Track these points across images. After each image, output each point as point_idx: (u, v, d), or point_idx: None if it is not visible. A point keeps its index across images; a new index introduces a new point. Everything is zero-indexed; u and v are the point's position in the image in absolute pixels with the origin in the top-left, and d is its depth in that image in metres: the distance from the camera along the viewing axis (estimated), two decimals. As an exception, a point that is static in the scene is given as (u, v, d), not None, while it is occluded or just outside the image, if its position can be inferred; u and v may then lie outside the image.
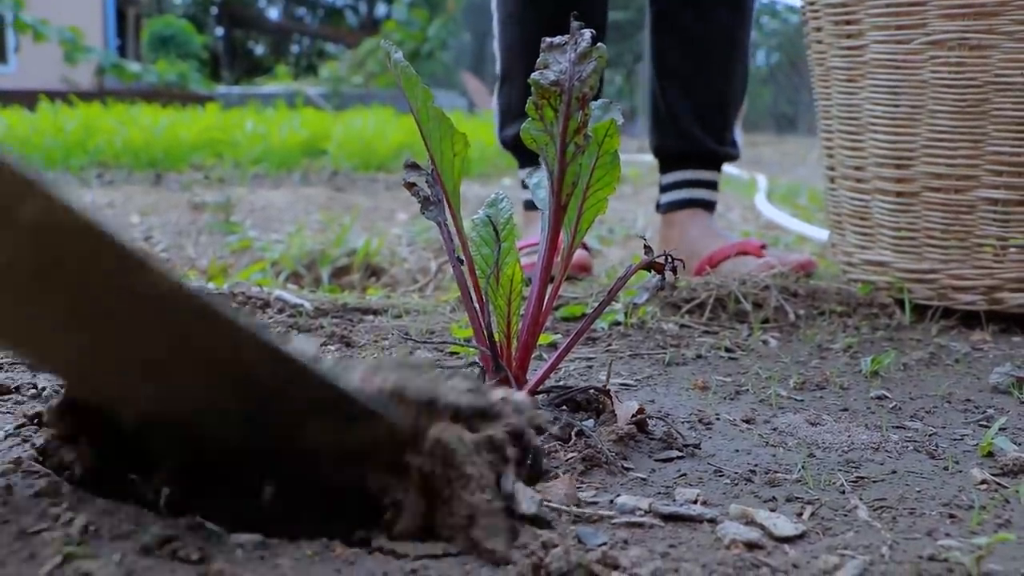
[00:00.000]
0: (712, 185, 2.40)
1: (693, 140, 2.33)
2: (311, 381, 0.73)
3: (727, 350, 1.53)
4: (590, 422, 1.05)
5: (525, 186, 2.41)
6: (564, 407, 1.09)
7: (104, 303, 0.70)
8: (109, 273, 0.68)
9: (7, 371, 1.21)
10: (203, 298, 0.69)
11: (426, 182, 1.08)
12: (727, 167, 2.57)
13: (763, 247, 2.15)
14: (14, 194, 0.63)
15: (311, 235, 2.85)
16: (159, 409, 0.78)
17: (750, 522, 0.83)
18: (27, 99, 8.92)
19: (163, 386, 0.75)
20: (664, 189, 2.43)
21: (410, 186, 1.08)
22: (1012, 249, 1.69)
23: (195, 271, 2.28)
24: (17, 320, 0.74)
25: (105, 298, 0.70)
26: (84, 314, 0.71)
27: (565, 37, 0.97)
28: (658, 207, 2.46)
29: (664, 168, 2.43)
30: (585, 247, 2.35)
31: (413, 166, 1.08)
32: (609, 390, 1.10)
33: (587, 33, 0.97)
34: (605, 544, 0.78)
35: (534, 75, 0.96)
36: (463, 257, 1.07)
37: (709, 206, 2.39)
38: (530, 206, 2.39)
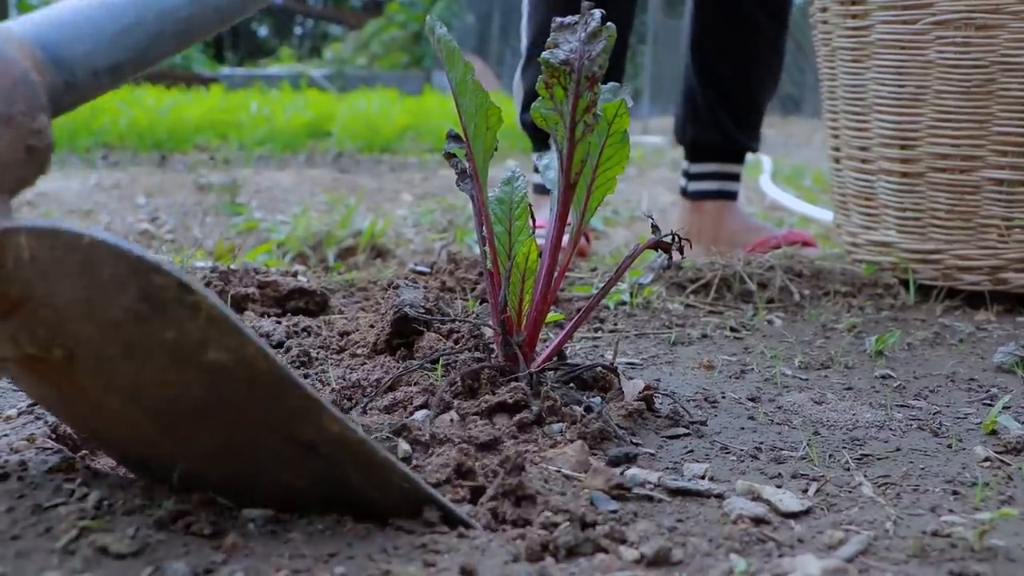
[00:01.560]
0: (739, 177, 2.50)
1: (729, 137, 2.42)
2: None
3: (732, 330, 1.54)
4: (598, 399, 1.06)
5: (537, 169, 2.43)
6: (572, 384, 1.09)
7: (264, 440, 0.72)
8: (285, 414, 0.69)
9: (18, 350, 1.22)
10: (368, 445, 0.71)
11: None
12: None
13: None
14: (204, 338, 0.64)
15: (316, 216, 2.85)
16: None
17: (756, 498, 0.84)
18: (31, 80, 8.90)
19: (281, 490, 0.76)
20: (693, 177, 2.50)
21: (450, 156, 1.08)
22: (1017, 229, 1.69)
23: (202, 252, 2.28)
24: (163, 441, 0.75)
25: (267, 436, 0.71)
26: (239, 449, 0.73)
27: (575, 17, 0.97)
28: (684, 192, 2.54)
29: (694, 157, 2.50)
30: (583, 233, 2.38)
31: (456, 137, 1.09)
32: (616, 368, 1.11)
33: (597, 13, 0.97)
34: (616, 512, 0.79)
35: (544, 54, 0.96)
36: (485, 234, 1.07)
37: (735, 196, 2.49)
38: (540, 189, 2.40)
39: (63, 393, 0.76)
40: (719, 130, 2.42)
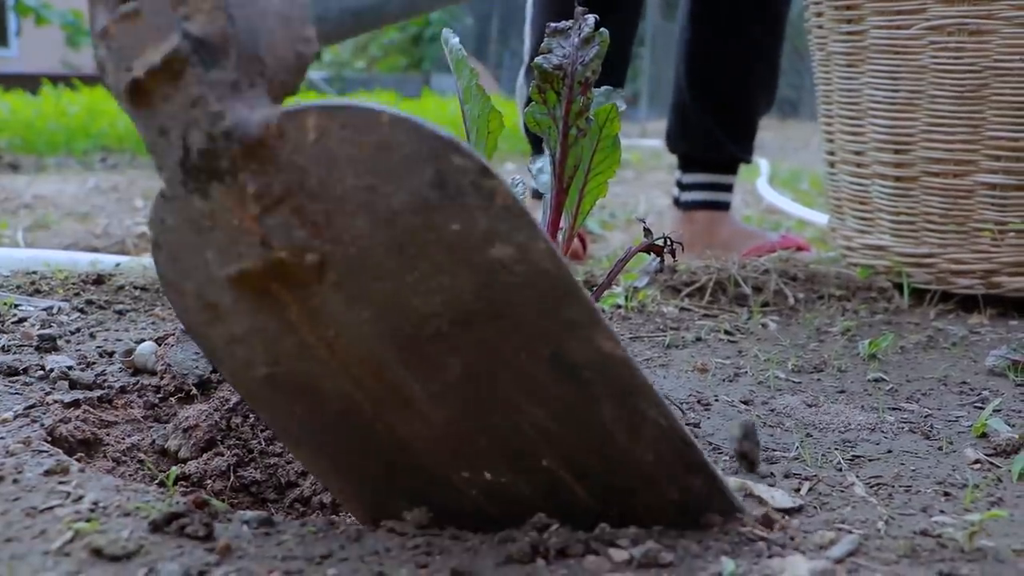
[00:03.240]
0: (731, 188, 2.49)
1: (721, 149, 2.41)
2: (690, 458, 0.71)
3: (727, 333, 1.54)
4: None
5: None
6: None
7: (520, 362, 0.65)
8: (559, 327, 0.64)
9: (15, 353, 1.23)
10: (631, 364, 0.65)
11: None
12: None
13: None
14: (491, 231, 0.60)
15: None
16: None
17: (748, 495, 0.85)
18: (29, 83, 8.92)
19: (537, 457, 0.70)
20: (685, 187, 2.50)
21: None
22: (1010, 233, 1.70)
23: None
24: (393, 375, 0.68)
25: (526, 355, 0.65)
26: (495, 370, 0.66)
27: (569, 22, 0.98)
28: (676, 202, 2.53)
29: (686, 167, 2.49)
30: (580, 237, 2.39)
31: None
32: None
33: (591, 19, 0.98)
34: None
35: (538, 59, 0.97)
36: None
37: (728, 207, 2.48)
38: (536, 194, 2.41)
39: (285, 324, 0.67)
40: (710, 141, 2.41)
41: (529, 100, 2.49)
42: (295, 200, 0.61)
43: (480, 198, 0.59)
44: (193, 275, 0.67)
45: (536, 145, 2.41)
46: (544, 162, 1.09)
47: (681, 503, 0.73)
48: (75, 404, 1.05)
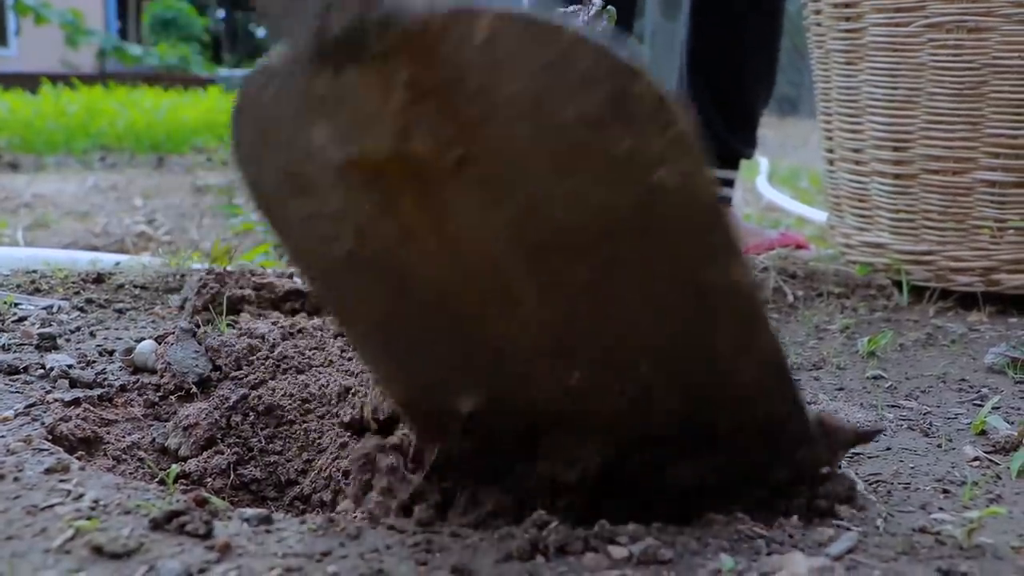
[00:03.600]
0: (732, 183, 2.48)
1: (722, 142, 2.38)
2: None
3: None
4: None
5: None
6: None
7: (650, 279, 0.66)
8: (701, 251, 0.64)
9: (15, 352, 1.23)
10: (757, 292, 0.67)
11: None
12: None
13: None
14: (661, 156, 0.59)
15: (313, 218, 2.85)
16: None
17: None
18: (29, 82, 8.93)
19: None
20: None
21: None
22: (1009, 231, 1.70)
23: (199, 254, 2.29)
24: (517, 283, 0.67)
25: (660, 274, 0.65)
26: (631, 291, 0.66)
27: (577, 7, 0.99)
28: None
29: None
30: None
31: None
32: None
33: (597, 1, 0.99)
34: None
35: None
36: None
37: (729, 202, 2.47)
38: None
39: (391, 210, 0.65)
40: (712, 135, 2.38)
41: None
42: (448, 96, 0.60)
43: (657, 123, 0.59)
44: (284, 149, 0.66)
45: None
46: None
47: (765, 424, 0.74)
48: (75, 402, 1.06)
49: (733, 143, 2.40)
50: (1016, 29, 1.62)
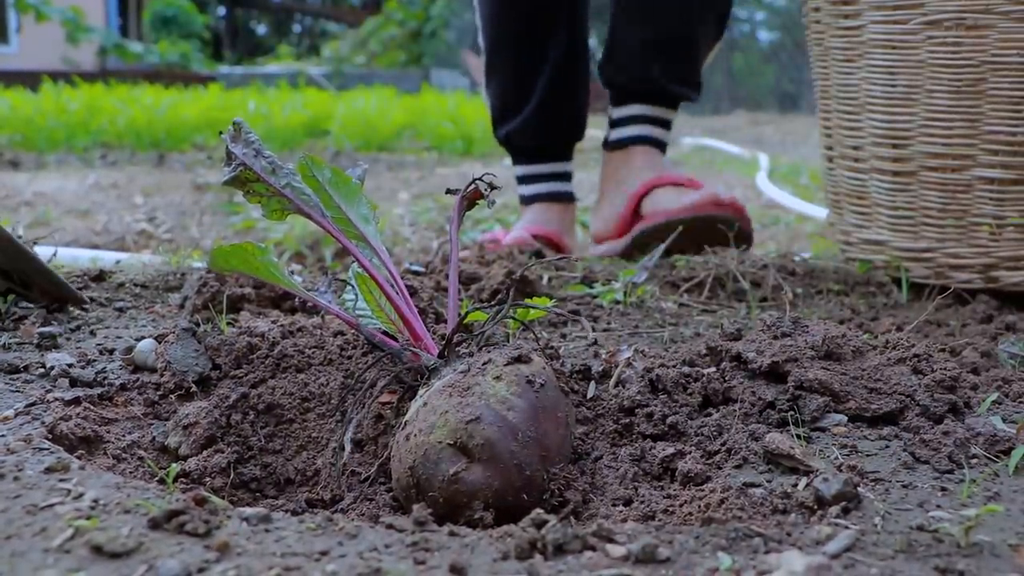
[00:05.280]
0: (667, 124, 2.28)
1: (650, 77, 2.20)
2: None
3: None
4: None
5: (519, 181, 2.42)
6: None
7: None
8: None
9: (15, 351, 1.23)
10: None
11: None
12: (729, 145, 2.58)
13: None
14: None
15: (314, 215, 2.85)
16: None
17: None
18: (29, 80, 8.93)
19: None
20: (615, 124, 2.29)
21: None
22: (1008, 227, 1.70)
23: (199, 252, 2.29)
24: None
25: None
26: None
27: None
28: (606, 143, 2.33)
29: (616, 101, 2.29)
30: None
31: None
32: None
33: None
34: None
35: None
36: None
37: (662, 146, 2.28)
38: (523, 200, 2.40)
39: None
40: (640, 68, 2.19)
41: (494, 110, 2.41)
42: None
43: None
44: None
45: (515, 154, 2.36)
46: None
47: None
48: (75, 402, 1.06)
49: (667, 82, 2.21)
50: (1015, 26, 1.62)
